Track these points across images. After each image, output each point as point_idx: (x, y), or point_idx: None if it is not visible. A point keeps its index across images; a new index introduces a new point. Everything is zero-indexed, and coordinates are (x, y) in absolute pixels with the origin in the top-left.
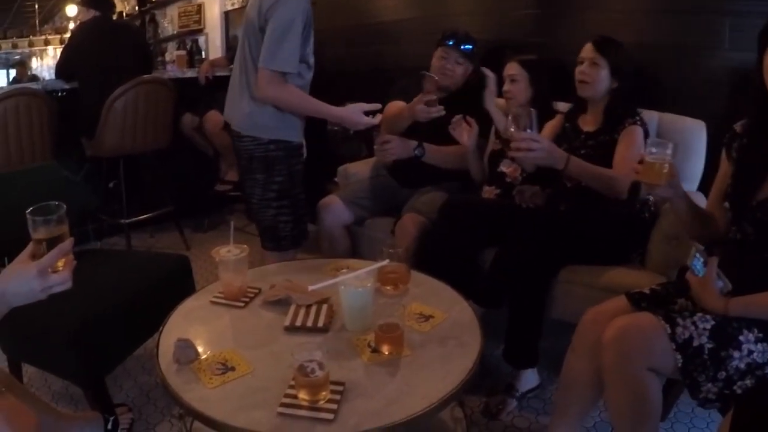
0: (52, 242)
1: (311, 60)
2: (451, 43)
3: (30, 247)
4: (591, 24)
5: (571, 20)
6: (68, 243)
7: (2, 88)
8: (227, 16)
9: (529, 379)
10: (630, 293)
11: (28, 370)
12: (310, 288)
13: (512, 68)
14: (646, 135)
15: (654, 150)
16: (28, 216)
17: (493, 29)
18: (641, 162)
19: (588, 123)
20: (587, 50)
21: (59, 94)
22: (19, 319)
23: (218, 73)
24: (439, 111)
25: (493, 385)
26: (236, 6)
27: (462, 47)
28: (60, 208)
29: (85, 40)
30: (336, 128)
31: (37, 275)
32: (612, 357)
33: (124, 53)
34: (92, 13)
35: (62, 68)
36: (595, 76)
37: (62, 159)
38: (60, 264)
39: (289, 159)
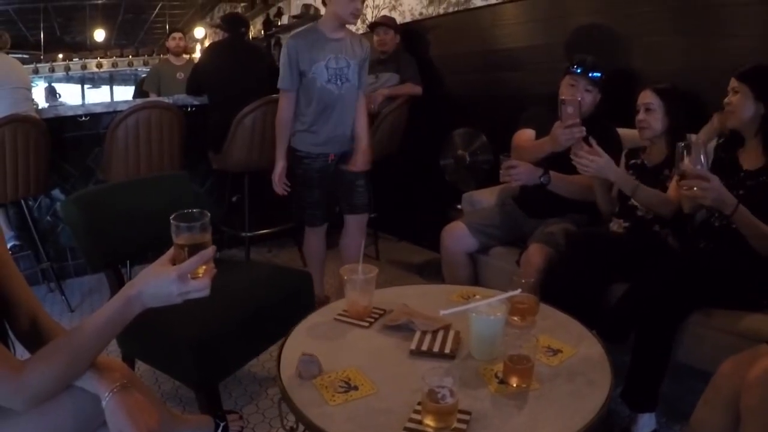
0: (193, 249)
1: (318, 76)
2: (579, 70)
3: (171, 252)
4: (727, 52)
5: (705, 48)
6: (210, 251)
7: (133, 101)
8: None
9: (647, 423)
10: None
11: (140, 368)
12: (442, 312)
13: (647, 96)
14: None
15: None
16: (171, 221)
17: (621, 57)
18: None
19: (748, 159)
20: (731, 82)
21: (188, 109)
22: (141, 318)
23: None
24: (581, 131)
25: (607, 428)
26: (360, 31)
27: (590, 75)
28: (204, 215)
29: (216, 58)
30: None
31: (177, 279)
32: (758, 398)
33: (253, 73)
34: (224, 34)
35: (193, 85)
36: (737, 103)
37: (189, 171)
38: (200, 271)
39: (294, 163)
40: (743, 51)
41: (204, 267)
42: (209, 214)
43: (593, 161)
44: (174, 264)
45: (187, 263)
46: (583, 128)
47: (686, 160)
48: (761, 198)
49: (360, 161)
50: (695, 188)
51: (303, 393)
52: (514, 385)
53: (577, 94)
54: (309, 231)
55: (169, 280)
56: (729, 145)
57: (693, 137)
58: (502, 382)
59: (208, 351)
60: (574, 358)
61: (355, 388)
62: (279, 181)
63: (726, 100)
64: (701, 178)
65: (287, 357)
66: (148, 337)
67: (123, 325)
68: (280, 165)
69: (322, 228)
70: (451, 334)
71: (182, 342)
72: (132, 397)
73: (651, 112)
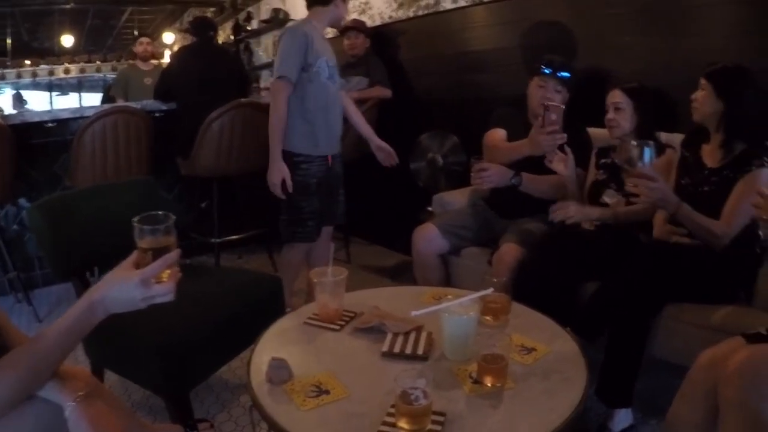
0: (158, 252)
1: (321, 71)
2: (548, 71)
3: (134, 255)
4: (694, 51)
5: (673, 47)
6: (174, 254)
7: (101, 106)
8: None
9: (623, 419)
10: (747, 334)
11: (110, 378)
12: (413, 313)
13: (616, 96)
14: None
15: None
16: (134, 224)
17: (591, 57)
18: (763, 197)
19: (711, 155)
20: (701, 79)
21: (156, 114)
22: (108, 325)
23: None
24: (563, 138)
25: (584, 424)
26: (329, 35)
27: (559, 75)
28: (168, 218)
29: (184, 62)
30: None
31: (140, 284)
32: (736, 390)
33: (222, 77)
34: (193, 39)
35: (161, 89)
36: (701, 99)
37: (157, 177)
38: (164, 275)
39: (289, 169)
40: (710, 50)
41: (168, 271)
42: (174, 217)
43: (571, 215)
44: (138, 268)
45: (150, 267)
46: (565, 135)
47: (635, 158)
48: (726, 191)
49: (388, 154)
50: (640, 187)
51: (274, 399)
52: (489, 385)
53: (547, 94)
54: (293, 248)
55: (133, 285)
56: (693, 141)
57: (663, 136)
58: (477, 382)
59: (177, 358)
60: (549, 356)
61: (327, 392)
62: (281, 185)
63: (693, 96)
64: (648, 177)
65: (257, 363)
66: (116, 344)
67: (86, 332)
68: (281, 167)
69: (311, 243)
70: (424, 335)
71: (150, 349)
72: (95, 407)
73: (620, 111)
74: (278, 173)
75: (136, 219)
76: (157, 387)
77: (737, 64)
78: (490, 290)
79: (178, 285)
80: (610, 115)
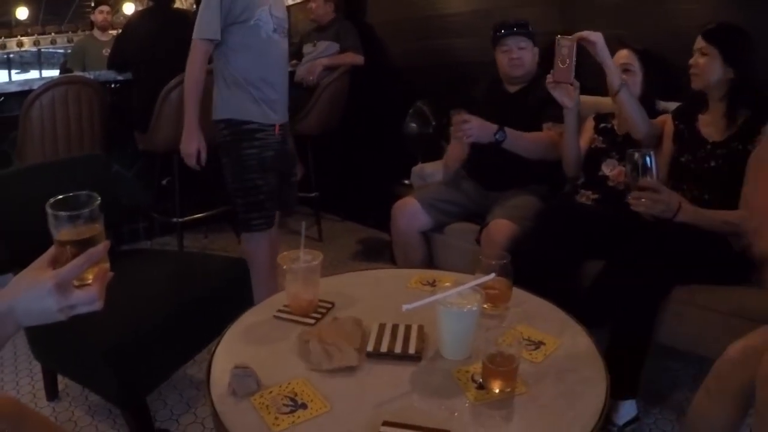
0: (79, 246)
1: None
2: (504, 32)
3: (51, 251)
4: (675, 14)
5: (652, 9)
6: (101, 248)
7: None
8: (288, 11)
9: (628, 411)
10: None
11: (65, 377)
12: (405, 308)
13: (626, 56)
14: None
15: None
16: (48, 210)
17: (566, 21)
18: None
19: (712, 127)
20: (698, 41)
21: (112, 85)
22: (52, 325)
23: None
24: (569, 88)
25: None
26: (298, 0)
27: (516, 29)
28: (92, 200)
29: (140, 28)
30: (412, 125)
31: (55, 289)
32: None
33: (180, 43)
34: (150, 3)
35: (115, 58)
36: (703, 65)
37: (115, 154)
38: (89, 276)
39: (239, 141)
40: (689, 15)
41: (94, 270)
42: (99, 199)
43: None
44: (55, 267)
45: (67, 268)
46: (577, 83)
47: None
48: (736, 165)
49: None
50: (644, 200)
51: (238, 417)
52: (497, 391)
53: (513, 56)
54: (259, 237)
55: (45, 291)
56: (686, 112)
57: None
58: (481, 387)
59: (127, 360)
60: (560, 351)
61: (303, 405)
62: (196, 156)
63: (691, 60)
64: (653, 189)
65: (217, 369)
66: (60, 346)
67: None
68: (198, 136)
69: (275, 228)
70: (414, 329)
71: (96, 353)
72: None
73: (630, 74)
74: (194, 142)
75: (49, 203)
76: (108, 395)
77: (733, 25)
78: (492, 275)
79: (130, 273)
80: None
